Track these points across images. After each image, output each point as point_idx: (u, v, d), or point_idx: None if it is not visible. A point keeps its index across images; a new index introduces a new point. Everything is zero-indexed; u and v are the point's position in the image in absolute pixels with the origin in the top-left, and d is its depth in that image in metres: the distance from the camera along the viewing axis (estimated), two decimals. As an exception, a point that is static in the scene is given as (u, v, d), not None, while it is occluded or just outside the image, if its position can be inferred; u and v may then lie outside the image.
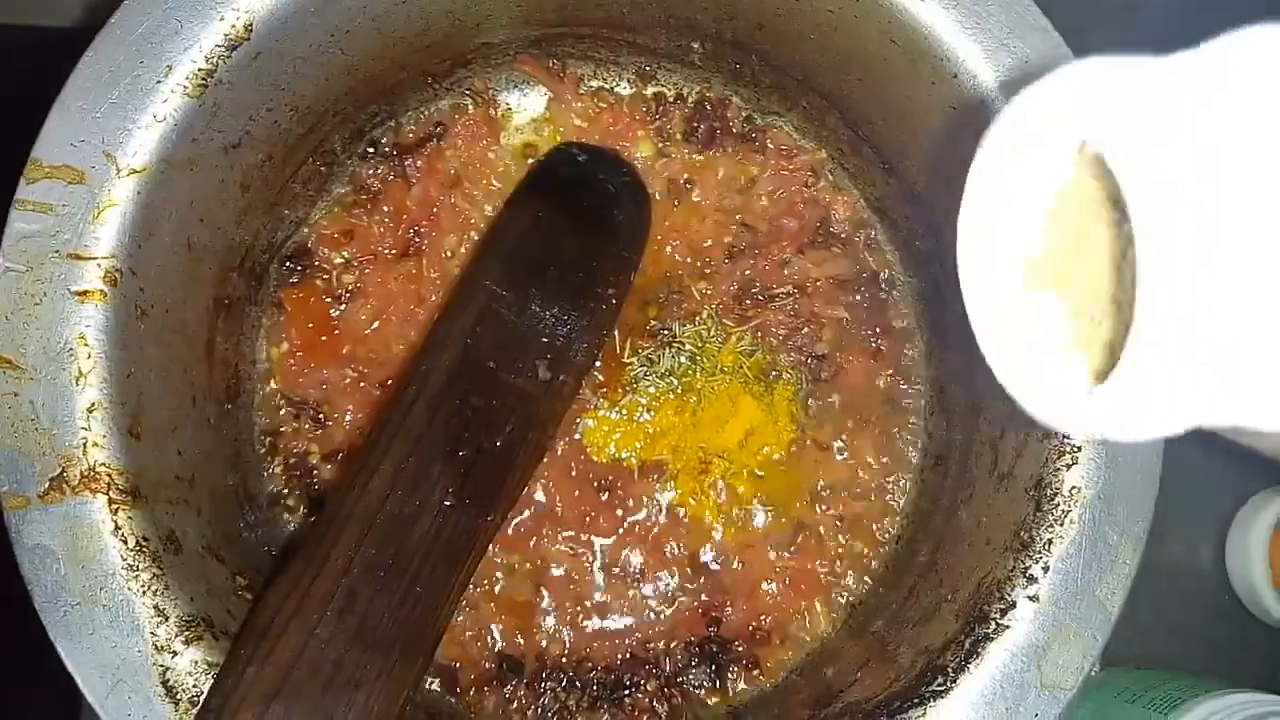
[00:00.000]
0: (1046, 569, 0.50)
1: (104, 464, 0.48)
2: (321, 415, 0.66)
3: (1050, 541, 0.50)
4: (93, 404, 0.49)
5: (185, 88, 0.52)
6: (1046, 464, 0.51)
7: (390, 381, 0.66)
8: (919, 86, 0.56)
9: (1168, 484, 0.51)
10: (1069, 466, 0.50)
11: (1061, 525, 0.50)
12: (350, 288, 0.68)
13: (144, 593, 0.48)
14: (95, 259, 0.50)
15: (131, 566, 0.48)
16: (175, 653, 0.47)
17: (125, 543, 0.48)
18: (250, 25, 0.52)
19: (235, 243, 0.61)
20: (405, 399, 0.55)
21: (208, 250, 0.58)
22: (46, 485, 0.47)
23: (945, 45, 0.54)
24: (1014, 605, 0.50)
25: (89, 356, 0.49)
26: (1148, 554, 0.50)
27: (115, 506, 0.48)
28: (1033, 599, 0.49)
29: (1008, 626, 0.49)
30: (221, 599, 0.52)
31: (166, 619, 0.48)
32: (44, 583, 0.47)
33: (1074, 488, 0.50)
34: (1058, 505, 0.50)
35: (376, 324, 0.67)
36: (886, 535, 0.65)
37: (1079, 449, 0.50)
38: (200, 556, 0.52)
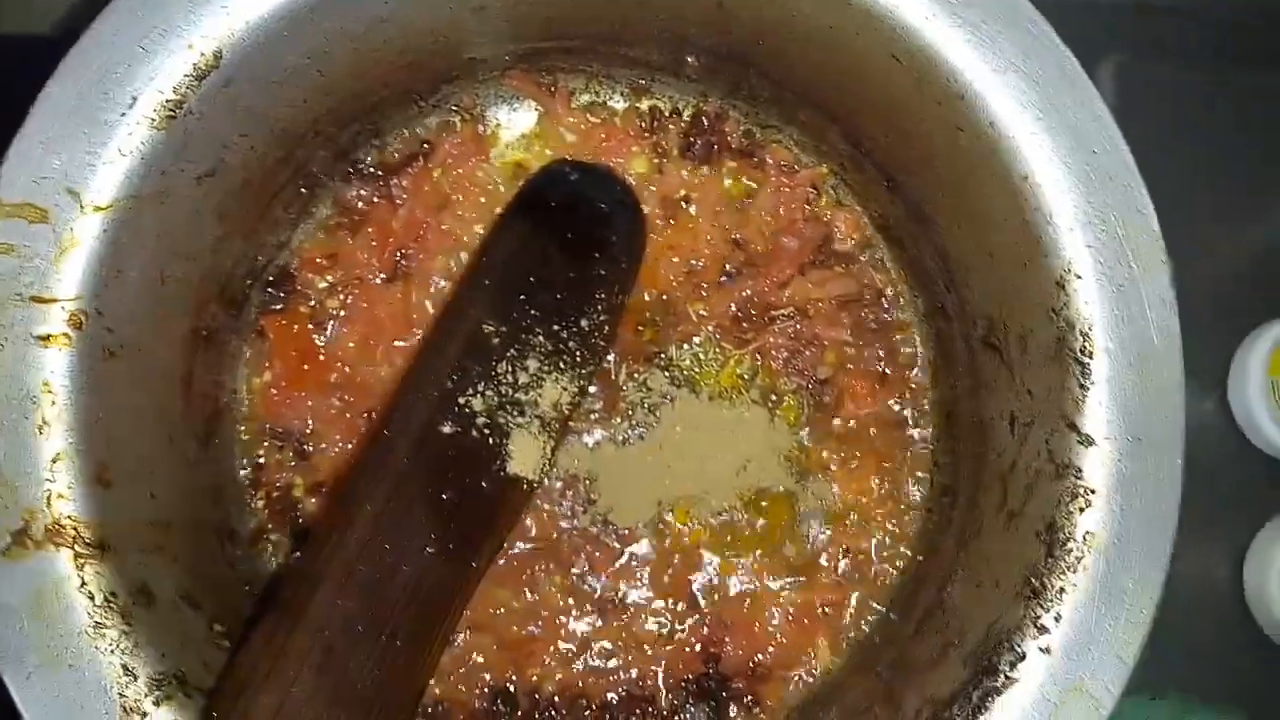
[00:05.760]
0: (1059, 618, 0.47)
1: (70, 516, 0.46)
2: (306, 446, 0.64)
3: (1063, 590, 0.47)
4: (57, 454, 0.47)
5: (152, 120, 0.49)
6: (1059, 506, 0.48)
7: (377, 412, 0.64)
8: (924, 106, 0.53)
9: (1184, 502, 0.48)
10: (1083, 510, 0.48)
11: (1074, 572, 0.47)
12: (335, 313, 0.65)
13: (111, 651, 0.46)
14: (59, 301, 0.47)
15: (99, 624, 0.46)
16: (145, 714, 0.45)
17: (92, 599, 0.46)
18: (219, 52, 0.50)
19: (212, 271, 0.59)
20: (386, 437, 0.53)
21: (182, 282, 0.56)
22: (9, 540, 0.45)
23: (951, 64, 0.51)
24: (1024, 657, 0.47)
25: (53, 404, 0.47)
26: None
27: (81, 561, 0.46)
28: (1045, 651, 0.47)
29: (1017, 680, 0.47)
30: (197, 650, 0.50)
31: (135, 678, 0.46)
32: (6, 642, 0.45)
33: (1088, 533, 0.47)
34: (1070, 551, 0.47)
35: (363, 351, 0.65)
36: (892, 569, 0.63)
37: (1094, 492, 0.48)
38: (175, 607, 0.50)
